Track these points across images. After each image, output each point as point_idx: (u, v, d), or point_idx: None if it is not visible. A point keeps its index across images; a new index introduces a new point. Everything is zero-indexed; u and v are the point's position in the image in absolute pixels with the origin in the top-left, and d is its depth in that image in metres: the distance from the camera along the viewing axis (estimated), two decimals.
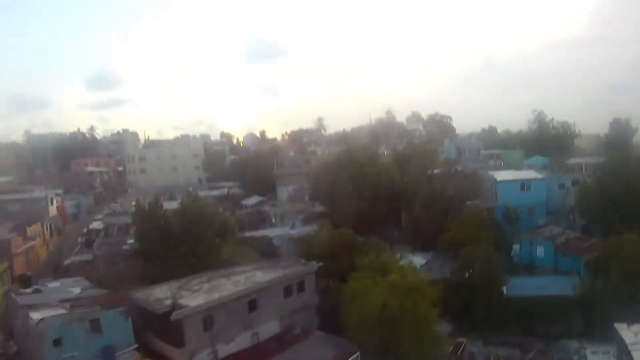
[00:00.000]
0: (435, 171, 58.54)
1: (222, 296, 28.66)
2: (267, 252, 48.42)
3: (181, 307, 26.84)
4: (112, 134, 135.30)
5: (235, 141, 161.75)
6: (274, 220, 66.35)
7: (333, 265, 37.97)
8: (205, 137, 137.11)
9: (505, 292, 38.19)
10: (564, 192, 54.96)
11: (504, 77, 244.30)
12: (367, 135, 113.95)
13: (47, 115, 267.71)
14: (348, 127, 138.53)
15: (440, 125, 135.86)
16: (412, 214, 50.31)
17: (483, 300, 36.29)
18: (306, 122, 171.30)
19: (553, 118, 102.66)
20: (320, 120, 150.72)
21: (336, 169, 58.39)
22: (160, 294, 29.13)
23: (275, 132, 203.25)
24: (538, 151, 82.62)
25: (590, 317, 34.00)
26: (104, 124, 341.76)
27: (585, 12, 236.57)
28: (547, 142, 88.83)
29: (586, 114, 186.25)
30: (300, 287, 33.81)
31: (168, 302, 27.51)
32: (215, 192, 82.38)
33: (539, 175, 55.75)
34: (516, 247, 47.04)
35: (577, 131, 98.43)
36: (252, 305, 30.26)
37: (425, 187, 49.92)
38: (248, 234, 56.95)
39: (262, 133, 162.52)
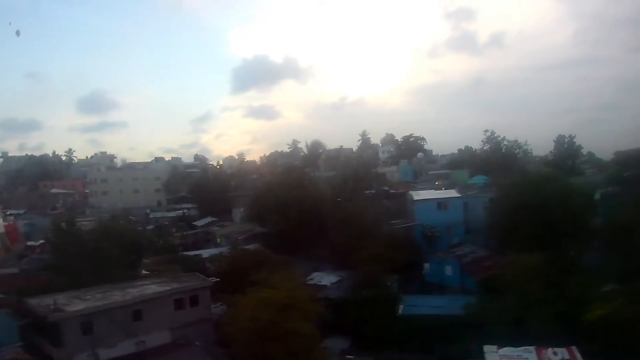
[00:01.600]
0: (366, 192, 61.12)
1: (102, 304, 31.08)
2: (199, 271, 50.81)
3: (61, 311, 29.39)
4: (87, 157, 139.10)
5: (215, 164, 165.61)
6: (218, 240, 69.06)
7: (241, 281, 40.34)
8: (176, 160, 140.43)
9: (401, 311, 40.15)
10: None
11: (490, 98, 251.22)
12: (301, 158, 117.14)
13: (39, 137, 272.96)
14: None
15: (413, 147, 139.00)
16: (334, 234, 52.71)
17: (375, 318, 37.97)
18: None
19: (504, 137, 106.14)
20: (295, 142, 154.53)
21: (270, 191, 61.23)
22: (51, 301, 31.50)
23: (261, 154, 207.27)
24: (487, 171, 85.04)
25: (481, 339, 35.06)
26: (97, 147, 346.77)
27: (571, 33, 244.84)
28: (496, 162, 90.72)
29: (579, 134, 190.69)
30: (194, 300, 35.89)
31: (52, 307, 30.01)
32: (171, 214, 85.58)
33: (456, 195, 57.32)
34: (427, 266, 48.77)
35: (528, 150, 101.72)
36: (137, 315, 32.43)
37: (346, 208, 52.43)
38: (187, 253, 59.77)
39: (240, 155, 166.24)
